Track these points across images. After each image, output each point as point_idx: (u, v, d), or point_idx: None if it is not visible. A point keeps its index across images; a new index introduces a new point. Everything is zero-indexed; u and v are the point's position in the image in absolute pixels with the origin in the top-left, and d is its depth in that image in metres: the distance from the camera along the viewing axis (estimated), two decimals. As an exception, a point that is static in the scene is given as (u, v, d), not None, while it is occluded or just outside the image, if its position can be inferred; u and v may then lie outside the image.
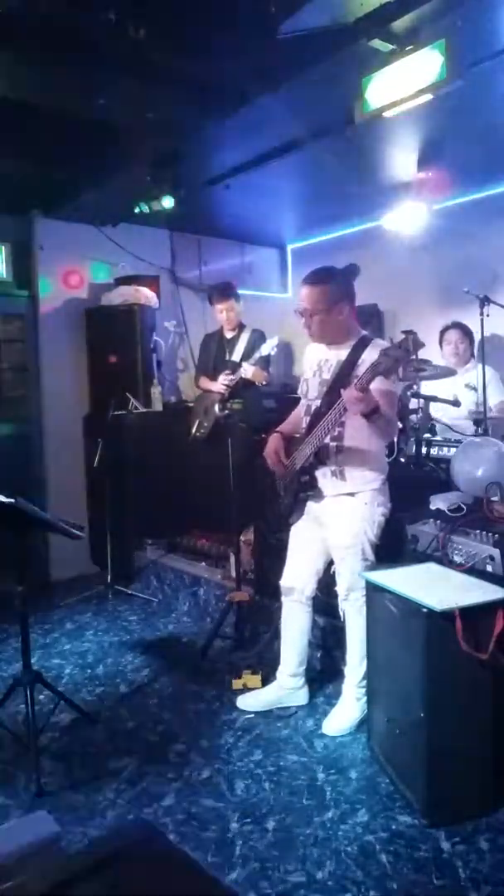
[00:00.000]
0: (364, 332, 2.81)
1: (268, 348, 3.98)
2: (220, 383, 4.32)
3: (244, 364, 4.14)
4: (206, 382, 4.57)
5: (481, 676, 2.19)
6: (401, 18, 2.48)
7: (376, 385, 2.45)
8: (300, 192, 4.82)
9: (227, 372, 4.33)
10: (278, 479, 2.99)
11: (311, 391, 2.88)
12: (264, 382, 4.31)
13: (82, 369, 5.16)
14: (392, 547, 2.86)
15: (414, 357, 2.28)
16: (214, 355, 4.62)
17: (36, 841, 1.23)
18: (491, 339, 3.96)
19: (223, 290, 4.47)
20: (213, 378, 4.48)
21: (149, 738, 2.83)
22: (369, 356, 2.54)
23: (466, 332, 4.10)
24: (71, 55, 2.75)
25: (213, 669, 3.44)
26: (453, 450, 3.29)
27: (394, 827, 2.21)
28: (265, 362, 4.23)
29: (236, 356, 4.44)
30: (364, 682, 2.76)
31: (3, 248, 4.80)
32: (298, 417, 2.97)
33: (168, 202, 4.11)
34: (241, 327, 4.52)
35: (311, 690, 3.06)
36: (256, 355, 4.07)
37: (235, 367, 4.32)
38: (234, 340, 4.51)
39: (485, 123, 3.49)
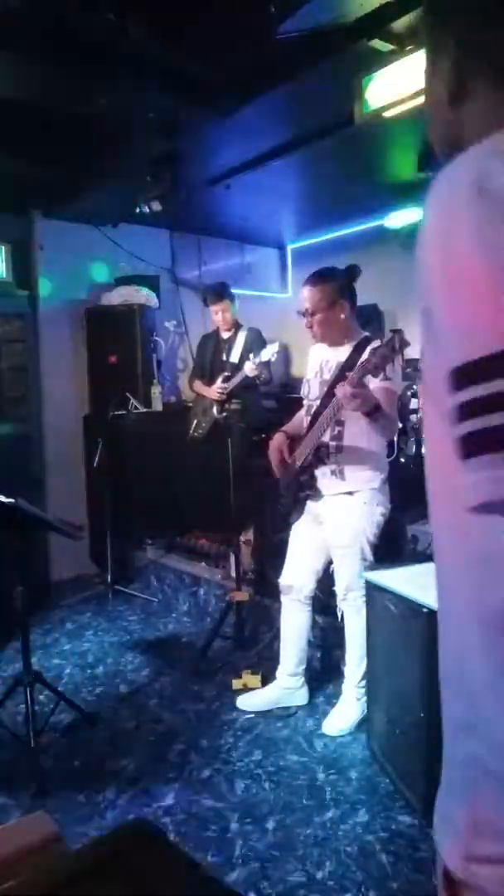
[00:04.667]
0: (366, 333, 2.82)
1: (268, 353, 3.98)
2: (216, 390, 4.32)
3: (247, 363, 4.13)
4: (200, 387, 4.57)
5: (481, 676, 2.19)
6: (401, 18, 2.48)
7: (377, 383, 2.46)
8: (300, 192, 4.82)
9: (225, 376, 4.32)
10: (280, 478, 2.99)
11: (312, 392, 2.88)
12: (263, 379, 4.30)
13: (82, 369, 5.16)
14: (392, 547, 2.86)
15: (400, 355, 2.35)
16: (212, 356, 4.62)
17: (36, 841, 1.23)
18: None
19: (217, 292, 4.47)
20: (210, 380, 4.48)
21: (149, 738, 2.83)
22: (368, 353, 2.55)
23: None
24: (71, 55, 2.75)
25: (213, 669, 3.43)
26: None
27: (394, 827, 2.21)
28: (266, 366, 4.23)
29: (234, 356, 4.44)
30: (364, 682, 2.76)
31: (3, 248, 4.79)
32: (301, 418, 2.97)
33: (156, 206, 4.12)
34: (237, 326, 4.52)
35: (311, 690, 3.06)
36: (257, 360, 4.06)
37: (234, 369, 4.32)
38: (231, 340, 4.51)
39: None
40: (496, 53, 0.68)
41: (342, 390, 2.41)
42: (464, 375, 0.55)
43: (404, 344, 2.30)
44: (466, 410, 0.54)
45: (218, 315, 4.48)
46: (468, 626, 0.67)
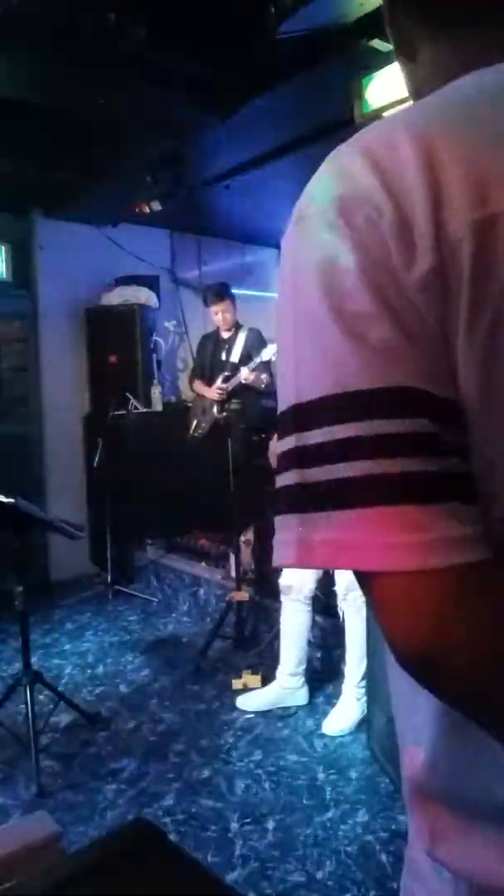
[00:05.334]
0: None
1: (269, 353, 3.98)
2: (215, 390, 4.33)
3: (243, 370, 4.14)
4: (200, 387, 4.58)
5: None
6: (401, 18, 2.48)
7: None
8: (300, 192, 4.79)
9: (224, 376, 4.33)
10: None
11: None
12: (263, 385, 4.31)
13: (82, 369, 5.16)
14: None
15: None
16: (211, 356, 4.62)
17: (36, 841, 1.23)
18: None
19: (217, 292, 4.46)
20: (209, 380, 4.48)
21: (149, 738, 2.83)
22: None
23: None
24: (71, 55, 2.75)
25: (213, 669, 3.44)
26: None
27: (394, 827, 2.21)
28: (266, 367, 4.23)
29: (234, 356, 4.44)
30: (364, 682, 2.76)
31: (3, 248, 4.80)
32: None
33: (156, 206, 4.12)
34: (237, 327, 4.52)
35: (311, 690, 3.06)
36: (258, 360, 4.06)
37: (235, 369, 4.32)
38: (231, 340, 4.51)
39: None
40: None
41: None
42: (278, 426, 0.50)
43: None
44: (277, 464, 0.50)
45: (218, 315, 4.48)
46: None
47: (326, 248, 0.46)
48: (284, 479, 0.48)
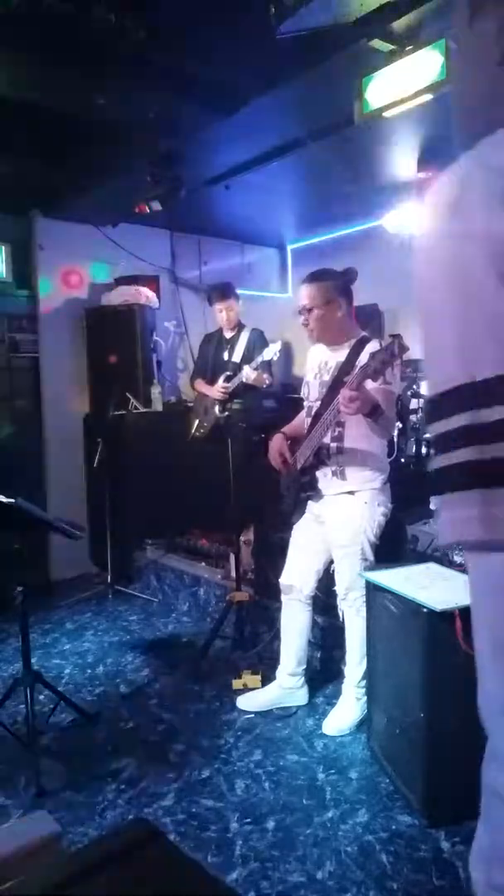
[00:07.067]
0: (363, 333, 2.82)
1: (270, 353, 3.98)
2: (218, 390, 4.33)
3: (246, 368, 4.14)
4: (201, 385, 4.58)
5: (481, 676, 2.19)
6: (401, 18, 2.48)
7: (375, 386, 2.47)
8: (300, 192, 4.82)
9: (227, 376, 4.33)
10: (281, 479, 3.00)
11: (311, 393, 2.88)
12: (266, 385, 4.31)
13: (82, 369, 5.16)
14: (392, 547, 2.86)
15: (399, 360, 2.36)
16: (214, 356, 4.62)
17: (36, 841, 1.23)
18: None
19: (222, 291, 4.47)
20: (212, 380, 4.48)
21: (149, 738, 2.83)
22: (366, 356, 2.56)
23: None
24: (71, 55, 2.75)
25: (213, 669, 3.43)
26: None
27: (394, 827, 2.21)
28: (267, 366, 4.23)
29: (236, 356, 4.44)
30: (364, 682, 2.76)
31: (3, 248, 4.79)
32: (302, 419, 2.98)
33: (156, 206, 4.10)
34: (240, 327, 4.53)
35: (311, 690, 3.06)
36: (259, 359, 4.07)
37: (237, 369, 4.32)
38: (234, 340, 4.51)
39: (485, 123, 3.49)
40: None
41: (342, 394, 2.43)
42: (430, 409, 0.50)
43: (403, 349, 2.31)
44: (434, 445, 0.50)
45: (222, 313, 4.49)
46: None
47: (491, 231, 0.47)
48: (455, 457, 0.48)
